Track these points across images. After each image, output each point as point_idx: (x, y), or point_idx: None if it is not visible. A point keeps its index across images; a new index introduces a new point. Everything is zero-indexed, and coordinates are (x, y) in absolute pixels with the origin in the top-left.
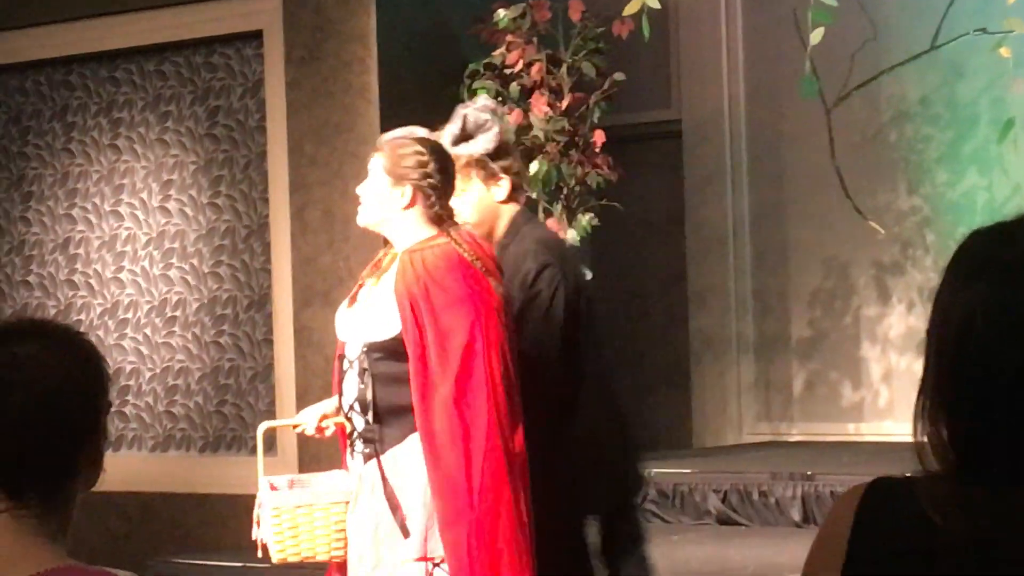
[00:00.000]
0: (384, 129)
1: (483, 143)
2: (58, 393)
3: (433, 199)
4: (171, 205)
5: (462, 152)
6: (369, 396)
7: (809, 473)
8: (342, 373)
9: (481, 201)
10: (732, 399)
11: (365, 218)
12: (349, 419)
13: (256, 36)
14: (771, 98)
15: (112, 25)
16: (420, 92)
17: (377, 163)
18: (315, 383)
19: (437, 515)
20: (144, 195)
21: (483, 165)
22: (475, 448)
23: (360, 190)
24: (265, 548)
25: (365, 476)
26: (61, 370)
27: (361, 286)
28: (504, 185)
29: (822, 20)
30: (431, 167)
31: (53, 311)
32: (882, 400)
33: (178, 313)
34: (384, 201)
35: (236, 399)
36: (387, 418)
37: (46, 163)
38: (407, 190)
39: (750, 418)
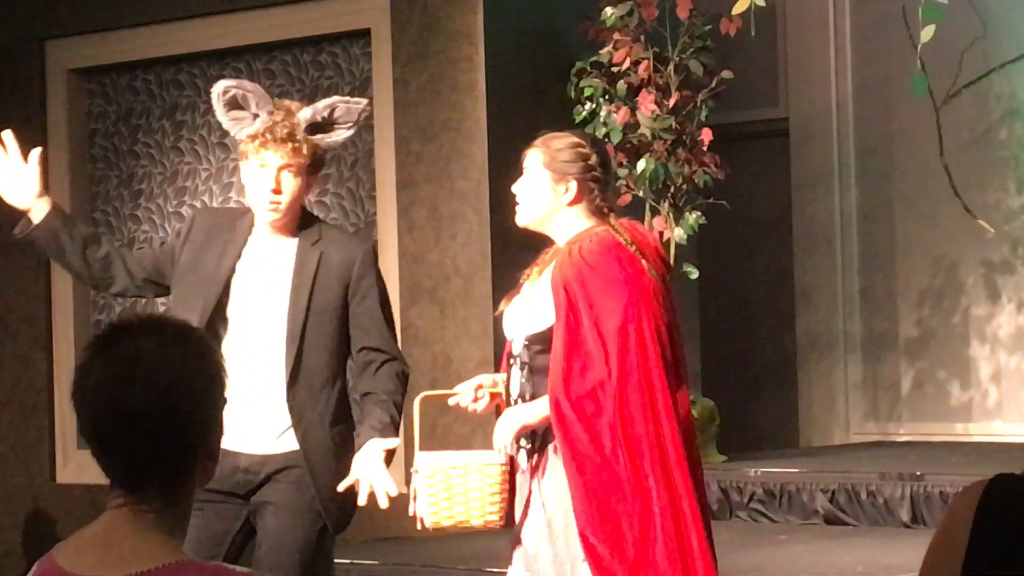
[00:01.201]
0: (491, 127)
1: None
2: (177, 388)
3: (596, 192)
4: None
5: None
6: (529, 390)
7: (918, 473)
8: (509, 370)
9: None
10: (839, 398)
11: (525, 217)
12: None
13: (364, 34)
14: (879, 96)
15: (221, 24)
16: (527, 90)
17: (536, 160)
18: (422, 380)
19: (588, 502)
20: None
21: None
22: (627, 433)
23: (517, 189)
24: (421, 519)
25: (531, 471)
26: (179, 365)
27: (521, 285)
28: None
29: (933, 18)
30: (593, 160)
31: (163, 309)
32: (991, 400)
33: None
34: (546, 198)
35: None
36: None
37: (155, 161)
38: (571, 185)
39: (857, 417)
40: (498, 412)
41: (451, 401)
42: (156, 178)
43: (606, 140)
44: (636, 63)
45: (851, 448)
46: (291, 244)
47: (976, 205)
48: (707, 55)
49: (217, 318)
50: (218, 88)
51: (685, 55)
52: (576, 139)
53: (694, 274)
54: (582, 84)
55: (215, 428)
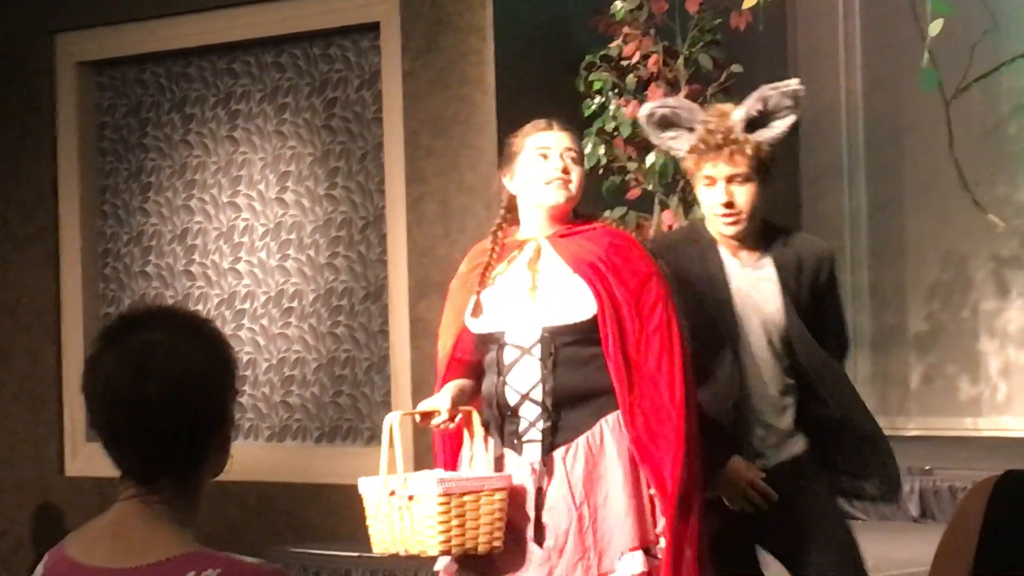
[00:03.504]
0: (501, 120)
1: (777, 130)
2: (189, 380)
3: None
4: (288, 196)
5: (753, 137)
6: (551, 383)
7: (927, 468)
8: (500, 366)
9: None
10: None
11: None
12: (515, 410)
13: (373, 28)
14: (889, 90)
15: (230, 17)
16: (537, 84)
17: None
18: (431, 374)
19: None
20: (261, 186)
21: (768, 157)
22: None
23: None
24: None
25: (549, 467)
26: (192, 357)
27: (485, 276)
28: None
29: (942, 11)
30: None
31: (171, 301)
32: (1000, 395)
33: (295, 304)
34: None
35: (352, 390)
36: (576, 404)
37: (164, 154)
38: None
39: None
40: (469, 426)
41: (433, 423)
42: (165, 171)
43: (616, 133)
44: (646, 57)
45: None
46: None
47: (986, 200)
48: (716, 49)
49: None
50: (643, 113)
51: (695, 49)
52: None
53: None
54: (591, 78)
55: (226, 419)
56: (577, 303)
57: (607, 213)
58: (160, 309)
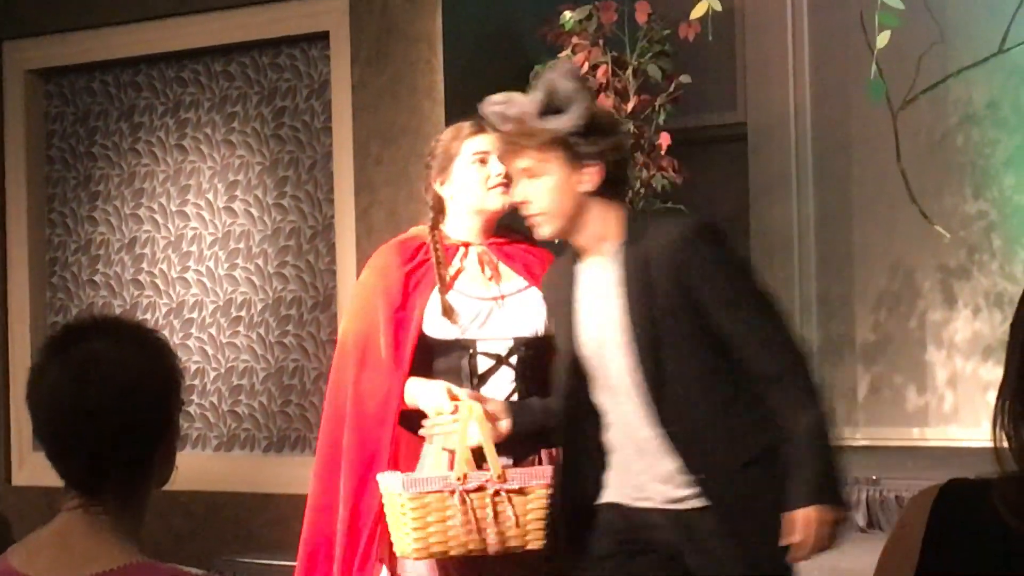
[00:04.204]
0: None
1: (570, 119)
2: (133, 389)
3: None
4: (237, 206)
5: (548, 127)
6: (523, 392)
7: (874, 477)
8: (474, 377)
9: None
10: None
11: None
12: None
13: (322, 37)
14: (837, 101)
15: (179, 26)
16: (486, 93)
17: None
18: None
19: None
20: (210, 195)
21: (568, 146)
22: None
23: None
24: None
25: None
26: (136, 367)
27: (445, 276)
28: (591, 173)
29: (888, 23)
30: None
31: (119, 310)
32: (947, 405)
33: (243, 313)
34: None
35: (300, 399)
36: None
37: (113, 163)
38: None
39: None
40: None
41: (430, 431)
42: (114, 180)
43: None
44: (595, 67)
45: None
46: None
47: (933, 211)
48: (665, 60)
49: None
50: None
51: (643, 59)
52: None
53: None
54: None
55: (172, 430)
56: (539, 313)
57: None
58: (105, 319)
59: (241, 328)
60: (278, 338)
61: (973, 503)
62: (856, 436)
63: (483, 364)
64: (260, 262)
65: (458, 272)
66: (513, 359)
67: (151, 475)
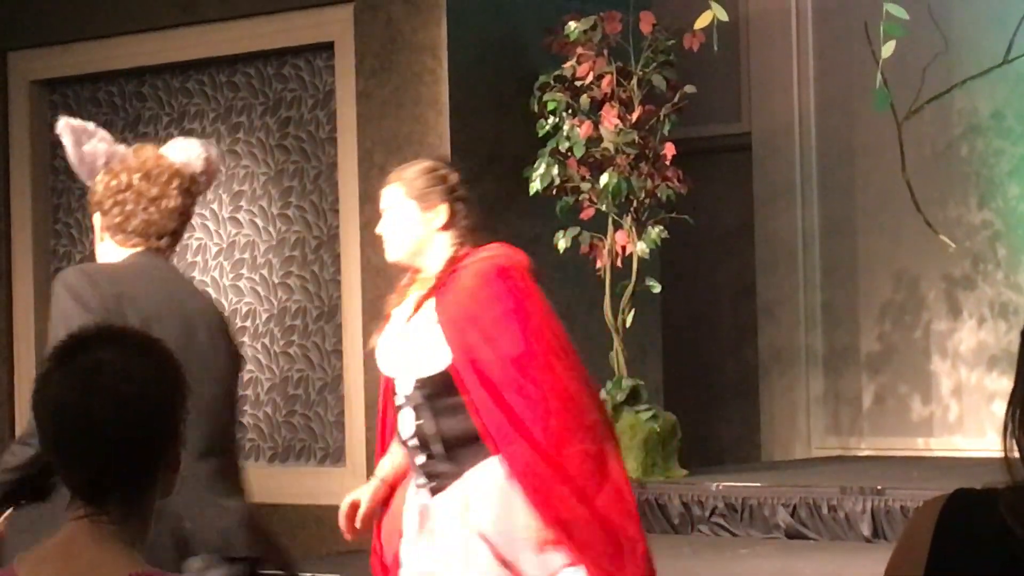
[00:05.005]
0: (455, 140)
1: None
2: (138, 399)
3: (463, 213)
4: (242, 216)
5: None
6: (433, 429)
7: (879, 488)
8: (396, 408)
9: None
10: (801, 412)
11: (397, 252)
12: (410, 452)
13: (327, 47)
14: (841, 111)
15: (184, 36)
16: (491, 103)
17: (397, 193)
18: None
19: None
20: (215, 206)
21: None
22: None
23: (382, 228)
24: None
25: (439, 508)
26: (141, 377)
27: (389, 315)
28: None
29: (894, 33)
30: (453, 179)
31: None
32: (952, 415)
33: (248, 323)
34: (416, 228)
35: (305, 409)
36: (455, 450)
37: None
38: (440, 210)
39: (819, 432)
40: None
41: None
42: None
43: (569, 154)
44: (599, 77)
45: (812, 462)
46: None
47: (938, 220)
48: (670, 70)
49: None
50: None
51: (648, 69)
52: (431, 163)
53: (656, 288)
54: (545, 98)
55: (176, 439)
56: (436, 354)
57: (559, 234)
58: (110, 328)
59: (246, 338)
60: (283, 348)
61: (980, 513)
62: (861, 446)
63: (399, 401)
64: (265, 272)
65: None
66: (412, 398)
67: (155, 485)
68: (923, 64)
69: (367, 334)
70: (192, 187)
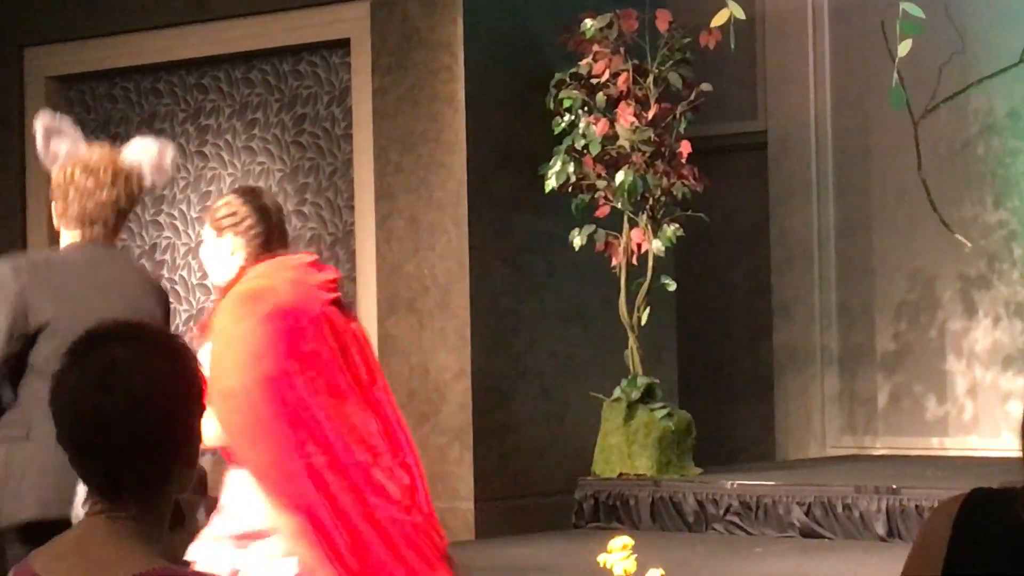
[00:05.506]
0: (471, 138)
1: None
2: (154, 396)
3: (253, 241)
4: None
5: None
6: None
7: (894, 487)
8: None
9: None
10: (816, 411)
11: (215, 278)
12: None
13: (343, 44)
14: (858, 110)
15: (200, 33)
16: (506, 101)
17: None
18: (400, 390)
19: None
20: None
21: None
22: None
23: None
24: None
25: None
26: (157, 373)
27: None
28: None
29: (910, 32)
30: (241, 212)
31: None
32: (967, 414)
33: None
34: (216, 256)
35: None
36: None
37: None
38: (226, 239)
39: (834, 431)
40: None
41: None
42: None
43: (585, 151)
44: (615, 75)
45: (827, 461)
46: None
47: (953, 220)
48: (686, 68)
49: None
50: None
51: (664, 67)
52: (229, 196)
53: (672, 286)
54: (561, 95)
55: (193, 435)
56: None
57: (575, 232)
58: (127, 325)
59: None
60: None
61: (997, 512)
62: (876, 445)
63: None
64: None
65: None
66: None
67: (172, 481)
68: (939, 63)
69: (382, 331)
70: (133, 183)
